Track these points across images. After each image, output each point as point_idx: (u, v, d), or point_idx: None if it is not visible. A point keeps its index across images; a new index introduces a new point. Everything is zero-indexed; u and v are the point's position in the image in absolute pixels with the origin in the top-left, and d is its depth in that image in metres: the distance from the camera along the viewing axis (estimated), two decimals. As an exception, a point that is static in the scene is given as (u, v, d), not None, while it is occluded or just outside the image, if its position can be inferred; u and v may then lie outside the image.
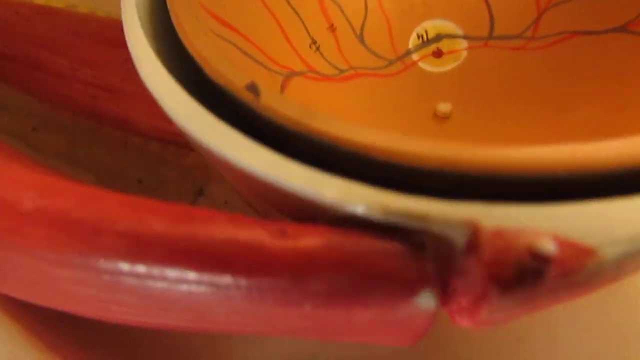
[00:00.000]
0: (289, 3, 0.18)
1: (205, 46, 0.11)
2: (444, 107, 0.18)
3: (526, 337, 0.14)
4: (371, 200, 0.07)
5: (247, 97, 0.09)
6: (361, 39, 0.19)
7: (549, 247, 0.06)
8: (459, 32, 0.19)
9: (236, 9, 0.15)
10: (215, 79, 0.10)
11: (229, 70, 0.10)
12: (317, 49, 0.18)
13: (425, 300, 0.07)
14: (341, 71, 0.18)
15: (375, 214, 0.07)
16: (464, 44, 0.19)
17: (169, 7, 0.11)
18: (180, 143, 0.21)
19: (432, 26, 0.20)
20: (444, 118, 0.18)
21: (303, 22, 0.18)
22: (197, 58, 0.11)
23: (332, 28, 0.19)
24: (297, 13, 0.18)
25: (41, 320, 0.12)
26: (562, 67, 0.17)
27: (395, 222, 0.07)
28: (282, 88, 0.16)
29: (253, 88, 0.09)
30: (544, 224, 0.07)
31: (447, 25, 0.20)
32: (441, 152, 0.08)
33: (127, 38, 0.11)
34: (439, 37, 0.19)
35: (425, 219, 0.07)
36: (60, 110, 0.23)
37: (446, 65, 0.19)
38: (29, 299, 0.09)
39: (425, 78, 0.19)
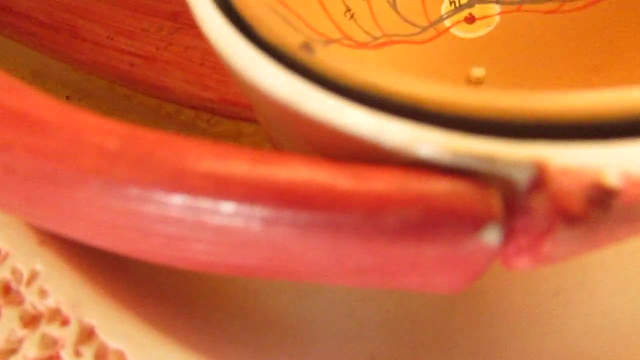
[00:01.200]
0: (324, -30, 0.18)
1: (256, 4, 0.11)
2: (478, 72, 0.18)
3: (561, 292, 0.14)
4: (438, 142, 0.08)
5: (302, 55, 0.10)
6: (394, 6, 0.19)
7: (614, 181, 0.07)
8: (491, -3, 0.20)
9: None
10: (269, 38, 0.11)
11: (282, 28, 0.10)
12: (352, 16, 0.18)
13: (491, 236, 0.08)
14: (375, 38, 0.19)
15: (443, 156, 0.08)
16: (496, 9, 0.19)
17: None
18: (213, 110, 0.22)
19: (464, -8, 0.20)
20: (477, 83, 0.18)
21: (338, -10, 0.18)
22: (249, 17, 0.11)
23: (366, -6, 0.19)
24: (332, -19, 0.18)
25: (102, 269, 0.13)
26: (597, 29, 0.17)
27: (463, 163, 0.08)
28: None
29: (308, 46, 0.10)
30: (609, 161, 0.07)
31: (478, -9, 0.20)
32: (507, 102, 0.08)
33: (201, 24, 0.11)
34: (471, 3, 0.20)
35: (493, 159, 0.07)
36: (94, 78, 0.24)
37: (479, 31, 0.19)
38: (104, 242, 0.10)
39: (458, 44, 0.19)
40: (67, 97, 0.26)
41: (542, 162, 0.07)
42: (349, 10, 0.18)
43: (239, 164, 0.08)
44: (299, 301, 0.15)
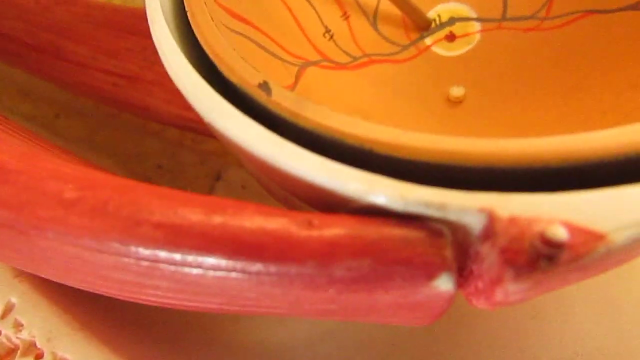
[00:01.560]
0: (303, -8, 0.18)
1: (219, 44, 0.11)
2: (457, 91, 0.18)
3: (539, 315, 0.14)
4: (391, 191, 0.08)
5: (259, 95, 0.10)
6: (374, 25, 0.19)
7: (560, 233, 0.07)
8: (472, 14, 0.19)
9: (251, 3, 0.15)
10: (229, 77, 0.11)
11: (242, 68, 0.10)
12: (331, 37, 0.18)
13: (444, 284, 0.08)
14: (355, 58, 0.19)
15: (396, 204, 0.08)
16: (477, 26, 0.19)
17: (185, 3, 0.12)
18: (198, 130, 0.22)
19: (445, 9, 0.20)
20: (457, 102, 0.18)
21: (317, 12, 0.18)
22: (211, 56, 0.11)
23: (345, 16, 0.19)
24: (310, 3, 0.18)
25: (76, 302, 0.13)
26: (576, 47, 0.17)
27: (415, 211, 0.08)
28: (297, 78, 0.16)
29: (265, 86, 0.10)
30: (556, 211, 0.07)
31: (460, 8, 0.20)
32: (438, 146, 0.08)
33: (152, 30, 0.11)
34: (452, 21, 0.20)
35: (443, 208, 0.07)
36: (82, 97, 0.24)
37: (459, 49, 0.19)
38: (68, 282, 0.10)
39: (439, 62, 0.19)
40: (56, 115, 0.26)
41: (492, 211, 0.07)
42: (328, 31, 0.18)
43: (192, 214, 0.08)
44: (280, 326, 0.15)
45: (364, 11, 0.19)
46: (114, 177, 0.09)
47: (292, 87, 0.16)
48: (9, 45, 0.23)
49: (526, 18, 0.19)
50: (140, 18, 0.22)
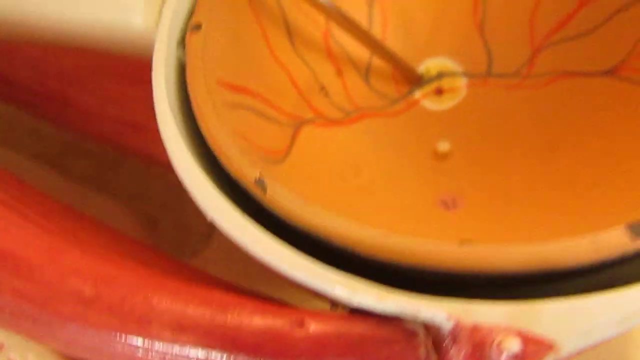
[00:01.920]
0: (298, 55, 0.19)
1: (222, 139, 0.12)
2: (443, 146, 0.19)
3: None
4: (371, 296, 0.09)
5: (256, 191, 0.11)
6: (367, 80, 0.21)
7: (514, 345, 0.08)
8: (459, 69, 0.21)
9: (249, 71, 0.17)
10: (230, 172, 0.12)
11: (241, 163, 0.11)
12: (326, 94, 0.20)
13: (418, 378, 0.09)
14: (348, 113, 0.20)
15: (376, 307, 0.09)
16: (463, 81, 0.20)
17: (190, 95, 0.13)
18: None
19: (434, 64, 0.21)
20: (443, 157, 0.19)
21: (312, 71, 0.19)
22: (215, 152, 0.12)
23: (339, 72, 0.20)
24: (306, 63, 0.19)
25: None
26: (554, 107, 0.18)
27: (393, 311, 0.09)
28: (293, 139, 0.17)
29: (261, 183, 0.11)
30: (513, 320, 0.08)
31: (447, 63, 0.21)
32: (414, 249, 0.09)
33: (161, 131, 0.12)
34: (440, 75, 0.21)
35: (416, 313, 0.09)
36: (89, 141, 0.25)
37: (447, 103, 0.20)
38: (81, 356, 0.11)
39: (427, 116, 0.20)
40: (62, 153, 0.27)
41: (458, 318, 0.08)
42: (322, 88, 0.20)
43: (197, 314, 0.09)
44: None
45: (356, 67, 0.20)
46: (127, 271, 0.10)
47: (289, 149, 0.17)
48: (18, 92, 0.24)
49: (510, 75, 0.20)
50: (146, 67, 0.23)
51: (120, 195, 0.26)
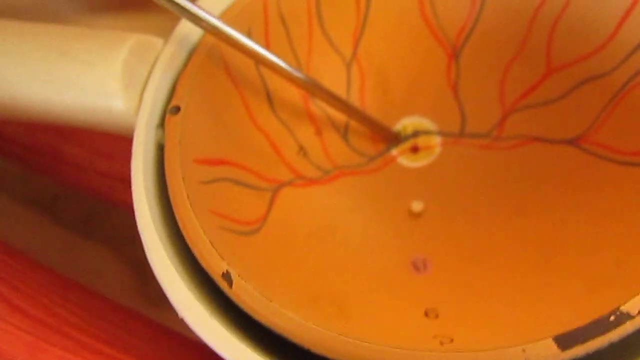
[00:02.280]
0: (278, 118, 0.20)
1: (195, 233, 0.13)
2: (417, 205, 0.20)
3: None
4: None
5: (223, 284, 0.12)
6: (345, 138, 0.21)
7: None
8: (434, 128, 0.22)
9: (230, 142, 0.18)
10: (202, 264, 0.13)
11: (210, 256, 0.12)
12: (305, 154, 0.20)
13: None
14: (326, 172, 0.21)
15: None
16: (438, 140, 0.21)
17: (168, 184, 0.14)
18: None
19: (410, 122, 0.22)
20: (417, 216, 0.20)
21: (292, 132, 0.20)
22: (190, 245, 0.13)
23: (318, 132, 0.21)
24: (286, 125, 0.20)
25: None
26: (521, 170, 0.19)
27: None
28: (270, 204, 0.18)
29: (227, 277, 0.12)
30: None
31: (423, 122, 0.22)
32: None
33: (138, 225, 0.13)
34: (416, 133, 0.22)
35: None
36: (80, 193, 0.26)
37: (422, 161, 0.21)
38: None
39: (403, 173, 0.21)
40: (55, 197, 0.28)
41: None
42: (302, 148, 0.20)
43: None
44: None
45: (335, 126, 0.21)
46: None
47: (266, 214, 0.18)
48: (11, 147, 0.25)
49: (482, 135, 0.21)
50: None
51: (110, 241, 0.27)
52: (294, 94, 0.21)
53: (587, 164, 0.17)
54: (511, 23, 0.19)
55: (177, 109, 0.15)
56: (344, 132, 0.21)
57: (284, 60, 0.20)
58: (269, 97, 0.20)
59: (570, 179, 0.18)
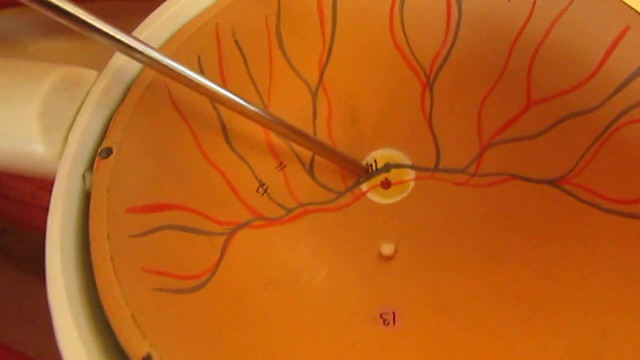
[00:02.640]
0: (235, 152, 0.18)
1: (119, 314, 0.11)
2: (388, 248, 0.18)
3: None
4: None
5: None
6: (311, 173, 0.20)
7: None
8: (407, 161, 0.20)
9: (177, 183, 0.16)
10: (121, 344, 0.11)
11: (131, 337, 0.10)
12: (265, 191, 0.19)
13: None
14: (289, 211, 0.19)
15: None
16: (411, 174, 0.20)
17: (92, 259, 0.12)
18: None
19: (381, 155, 0.20)
20: (387, 259, 0.18)
21: (250, 167, 0.19)
22: (109, 320, 0.11)
23: (281, 166, 0.19)
24: (243, 159, 0.18)
25: None
26: (499, 211, 0.18)
27: None
28: (223, 251, 0.16)
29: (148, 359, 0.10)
30: None
31: (395, 154, 0.20)
32: None
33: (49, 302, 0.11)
34: (388, 167, 0.20)
35: None
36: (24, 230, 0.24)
37: (394, 197, 0.20)
38: None
39: (373, 210, 0.20)
40: (3, 231, 0.26)
41: None
42: (262, 185, 0.19)
43: None
44: None
45: (300, 159, 0.20)
46: None
47: (216, 265, 0.16)
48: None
49: (458, 171, 0.19)
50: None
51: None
52: (253, 125, 0.19)
53: (569, 208, 0.16)
54: (489, 50, 0.18)
55: (109, 152, 0.13)
56: (309, 165, 0.20)
57: (243, 89, 0.18)
58: (225, 130, 0.18)
59: (551, 224, 0.16)
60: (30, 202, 0.22)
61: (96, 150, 0.13)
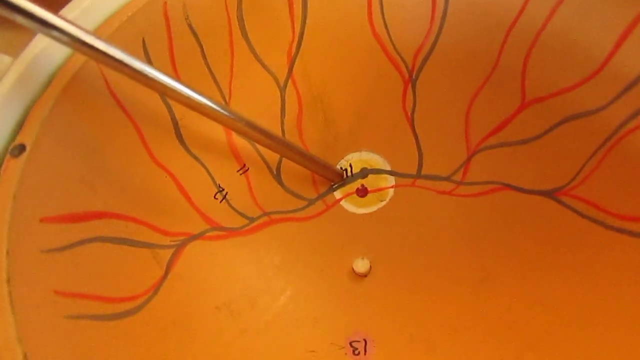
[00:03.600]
0: (188, 151, 0.16)
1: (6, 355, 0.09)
2: (362, 265, 0.16)
3: None
4: None
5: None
6: (278, 177, 0.17)
7: None
8: (386, 167, 0.18)
9: (114, 183, 0.13)
10: None
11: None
12: (224, 197, 0.16)
13: None
14: (251, 220, 0.17)
15: None
16: (390, 181, 0.18)
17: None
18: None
19: (357, 159, 0.18)
20: (360, 278, 0.16)
21: (207, 170, 0.16)
22: None
23: (243, 169, 0.17)
24: (199, 160, 0.16)
25: None
26: (488, 226, 0.16)
27: None
28: (170, 265, 0.14)
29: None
30: None
31: (373, 159, 0.18)
32: None
33: None
34: (364, 172, 0.18)
35: None
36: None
37: (370, 206, 0.17)
38: None
39: (347, 221, 0.17)
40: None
41: None
42: (220, 190, 0.16)
43: None
44: None
45: (266, 162, 0.17)
46: None
47: (159, 284, 0.14)
48: None
49: (442, 178, 0.17)
50: None
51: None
52: (212, 122, 0.17)
53: (568, 224, 0.14)
54: (479, 42, 0.16)
55: (21, 149, 0.11)
56: (276, 169, 0.17)
57: (199, 80, 0.16)
58: (177, 126, 0.16)
59: (548, 243, 0.14)
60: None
61: (5, 152, 0.11)
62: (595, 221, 0.13)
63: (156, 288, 0.13)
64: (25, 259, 0.10)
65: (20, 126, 0.12)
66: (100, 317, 0.11)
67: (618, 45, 0.12)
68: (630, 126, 0.13)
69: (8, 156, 0.11)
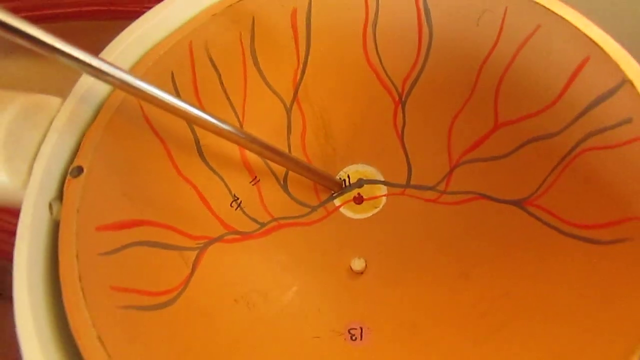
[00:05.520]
0: (208, 166, 0.18)
1: (82, 325, 0.11)
2: (358, 263, 0.19)
3: None
4: None
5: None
6: (285, 187, 0.20)
7: None
8: (380, 177, 0.20)
9: (149, 199, 0.16)
10: None
11: (95, 355, 0.10)
12: (239, 205, 0.19)
13: None
14: (262, 225, 0.19)
15: None
16: (383, 190, 0.20)
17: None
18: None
19: (354, 171, 0.20)
20: (357, 275, 0.19)
21: (224, 182, 0.19)
22: (77, 342, 0.11)
23: (255, 181, 0.20)
24: (217, 174, 0.19)
25: None
26: (467, 229, 0.18)
27: None
28: (194, 266, 0.17)
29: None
30: None
31: (368, 170, 0.20)
32: None
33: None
34: (360, 183, 0.20)
35: None
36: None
37: (366, 212, 0.20)
38: None
39: (346, 225, 0.20)
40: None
41: None
42: (236, 199, 0.19)
43: None
44: None
45: (274, 173, 0.20)
46: None
47: (187, 280, 0.16)
48: None
49: (428, 188, 0.19)
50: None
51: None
52: (228, 141, 0.19)
53: (532, 230, 0.16)
54: (458, 72, 0.18)
55: (79, 170, 0.14)
56: (283, 180, 0.20)
57: (217, 104, 0.18)
58: (199, 145, 0.18)
59: (516, 244, 0.17)
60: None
61: (63, 179, 0.13)
62: (553, 227, 0.16)
63: (185, 284, 0.16)
64: (89, 261, 0.12)
65: (74, 153, 0.14)
66: (144, 308, 0.14)
67: (571, 80, 0.15)
68: (581, 148, 0.15)
69: (69, 177, 0.13)
